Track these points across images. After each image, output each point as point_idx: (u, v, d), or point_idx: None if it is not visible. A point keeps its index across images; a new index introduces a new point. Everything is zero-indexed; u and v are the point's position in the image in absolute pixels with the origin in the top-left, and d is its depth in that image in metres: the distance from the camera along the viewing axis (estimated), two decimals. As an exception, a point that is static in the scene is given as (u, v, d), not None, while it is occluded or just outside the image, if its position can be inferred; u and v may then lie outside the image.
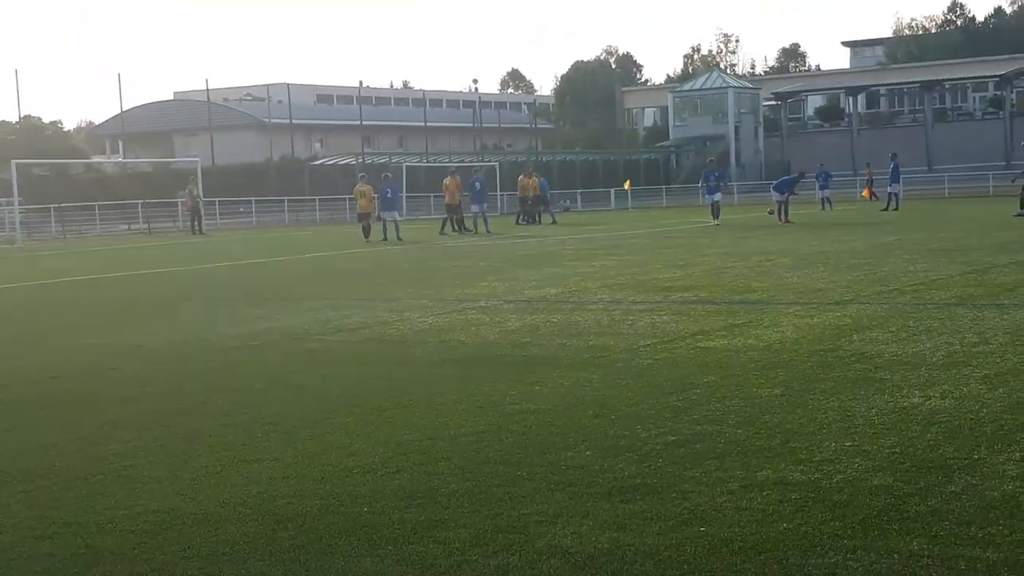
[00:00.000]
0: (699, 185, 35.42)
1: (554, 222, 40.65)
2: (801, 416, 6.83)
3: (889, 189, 41.35)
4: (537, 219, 40.82)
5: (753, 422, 6.72)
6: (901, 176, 41.80)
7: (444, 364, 9.44)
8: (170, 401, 8.34)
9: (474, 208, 35.29)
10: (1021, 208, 31.31)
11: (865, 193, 47.98)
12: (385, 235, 32.09)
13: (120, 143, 77.27)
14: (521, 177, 42.17)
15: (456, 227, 35.10)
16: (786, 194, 32.73)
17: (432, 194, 51.67)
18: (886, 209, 39.35)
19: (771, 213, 34.29)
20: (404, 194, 42.17)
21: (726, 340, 9.93)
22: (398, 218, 33.31)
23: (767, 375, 8.20)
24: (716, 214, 32.68)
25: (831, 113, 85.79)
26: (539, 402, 7.62)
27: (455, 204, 35.16)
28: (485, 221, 34.56)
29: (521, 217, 41.21)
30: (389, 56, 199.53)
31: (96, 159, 77.09)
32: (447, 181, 35.58)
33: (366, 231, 32.88)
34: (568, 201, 62.55)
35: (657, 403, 7.38)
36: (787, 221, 31.70)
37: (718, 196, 33.54)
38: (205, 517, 5.30)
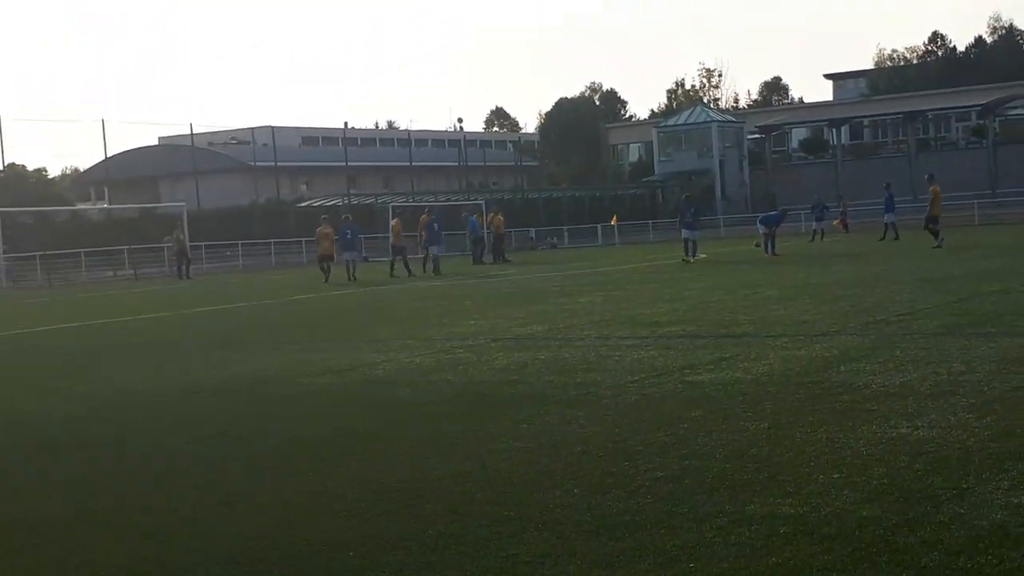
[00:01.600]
0: (677, 220, 35.08)
1: (494, 262, 40.78)
2: (789, 449, 6.81)
3: (885, 219, 39.90)
4: (482, 259, 40.93)
5: (741, 456, 6.69)
6: (896, 205, 40.88)
7: (431, 404, 9.41)
8: (146, 447, 8.28)
9: (433, 250, 35.05)
10: None
11: (836, 223, 48.03)
12: (350, 275, 32.75)
13: (105, 189, 77.30)
14: (491, 216, 42.80)
15: (407, 267, 34.91)
16: (773, 227, 32.84)
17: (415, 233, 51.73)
18: (883, 239, 38.77)
19: (757, 246, 34.38)
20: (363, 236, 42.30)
21: (713, 374, 9.91)
22: (357, 258, 34.19)
23: (755, 408, 8.18)
24: (692, 251, 31.81)
25: (815, 145, 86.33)
26: (526, 440, 7.59)
27: (400, 245, 35.13)
28: (435, 262, 34.40)
29: (501, 256, 41.37)
30: (374, 96, 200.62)
31: (81, 206, 77.03)
32: (394, 222, 35.86)
33: (326, 272, 33.48)
34: (555, 238, 62.72)
35: (645, 439, 7.36)
36: (774, 254, 31.79)
37: (696, 233, 32.70)
38: (183, 567, 5.24)
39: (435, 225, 35.40)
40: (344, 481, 6.76)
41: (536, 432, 7.86)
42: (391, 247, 35.88)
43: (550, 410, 8.68)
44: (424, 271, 34.52)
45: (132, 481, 7.18)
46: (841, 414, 7.76)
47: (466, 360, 12.09)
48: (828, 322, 13.43)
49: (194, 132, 68.50)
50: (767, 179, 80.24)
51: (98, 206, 76.07)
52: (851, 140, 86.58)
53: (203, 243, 51.84)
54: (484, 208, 53.74)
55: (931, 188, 32.39)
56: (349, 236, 34.24)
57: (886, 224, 39.91)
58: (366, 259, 44.63)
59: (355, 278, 32.49)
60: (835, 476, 6.09)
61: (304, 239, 57.49)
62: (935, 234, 31.17)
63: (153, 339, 17.72)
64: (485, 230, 43.88)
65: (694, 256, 31.42)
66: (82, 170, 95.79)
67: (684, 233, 32.61)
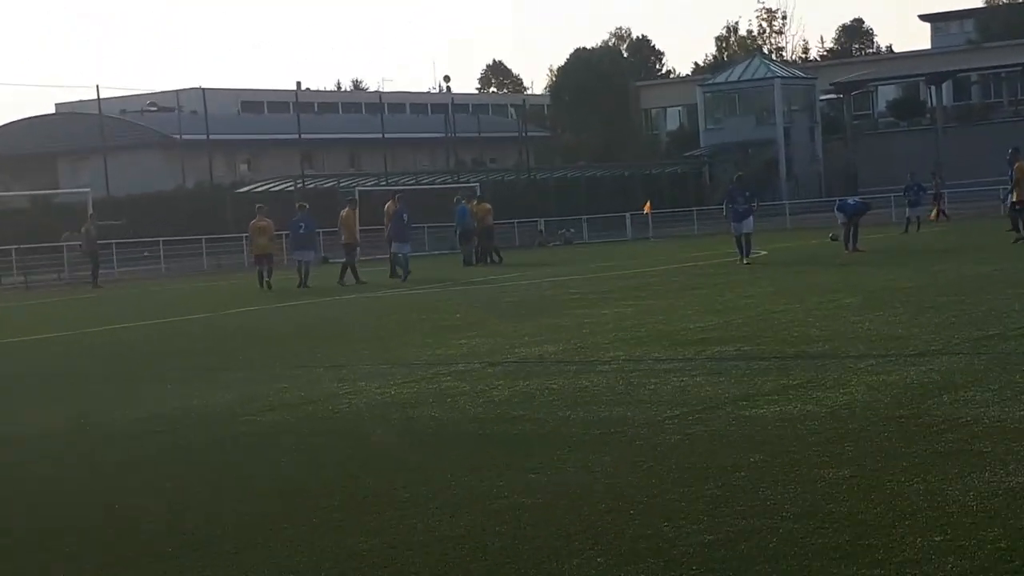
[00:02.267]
0: (724, 209, 33.42)
1: (478, 262, 40.79)
2: (877, 503, 6.81)
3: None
4: (472, 259, 40.85)
5: (815, 513, 6.70)
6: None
7: (411, 448, 9.42)
8: (51, 507, 8.30)
9: (395, 248, 34.39)
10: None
11: (933, 215, 47.75)
12: (302, 281, 32.69)
13: (-13, 171, 77.35)
14: (474, 203, 42.81)
15: (355, 273, 34.09)
16: (855, 216, 32.78)
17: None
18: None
19: (835, 239, 34.35)
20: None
21: (778, 406, 9.92)
22: (312, 260, 34.11)
23: (832, 451, 8.19)
24: (746, 250, 30.57)
25: (908, 108, 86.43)
26: (535, 494, 7.60)
27: (353, 244, 34.67)
28: (404, 264, 33.80)
29: (488, 256, 41.29)
30: (334, 49, 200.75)
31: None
32: (343, 213, 35.24)
33: (262, 277, 33.44)
34: (570, 230, 62.78)
35: (689, 492, 7.37)
36: (856, 249, 31.80)
37: (749, 225, 31.03)
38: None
39: (404, 216, 34.65)
40: (301, 549, 6.77)
41: (549, 484, 7.86)
42: (343, 246, 35.43)
43: (566, 455, 8.69)
44: (392, 276, 34.01)
45: None
46: (944, 458, 7.77)
47: (456, 390, 12.09)
48: (926, 338, 13.41)
49: (101, 97, 68.60)
50: (846, 152, 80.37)
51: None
52: (955, 101, 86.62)
53: (113, 241, 51.85)
54: (479, 192, 53.85)
55: (1016, 165, 32.28)
56: (303, 231, 33.93)
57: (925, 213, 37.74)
58: (325, 260, 44.64)
59: (308, 285, 32.44)
60: (937, 539, 6.09)
61: (245, 235, 57.59)
62: (1017, 225, 31.14)
63: (50, 369, 17.73)
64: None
65: (748, 255, 30.61)
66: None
67: (735, 226, 31.58)
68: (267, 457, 9.52)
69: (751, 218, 31.27)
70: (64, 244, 49.73)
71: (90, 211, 46.98)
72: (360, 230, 36.28)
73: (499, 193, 64.76)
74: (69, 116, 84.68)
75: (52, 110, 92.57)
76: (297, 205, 36.69)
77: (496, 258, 41.52)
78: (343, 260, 35.00)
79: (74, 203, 56.96)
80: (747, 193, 31.98)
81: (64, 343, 21.63)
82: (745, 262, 29.88)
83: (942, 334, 13.64)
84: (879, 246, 33.95)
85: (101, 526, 7.71)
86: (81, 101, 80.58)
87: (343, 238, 35.23)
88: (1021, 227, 30.86)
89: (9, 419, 12.38)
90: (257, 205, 37.72)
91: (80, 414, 12.30)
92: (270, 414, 11.53)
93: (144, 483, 8.91)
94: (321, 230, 39.03)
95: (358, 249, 35.69)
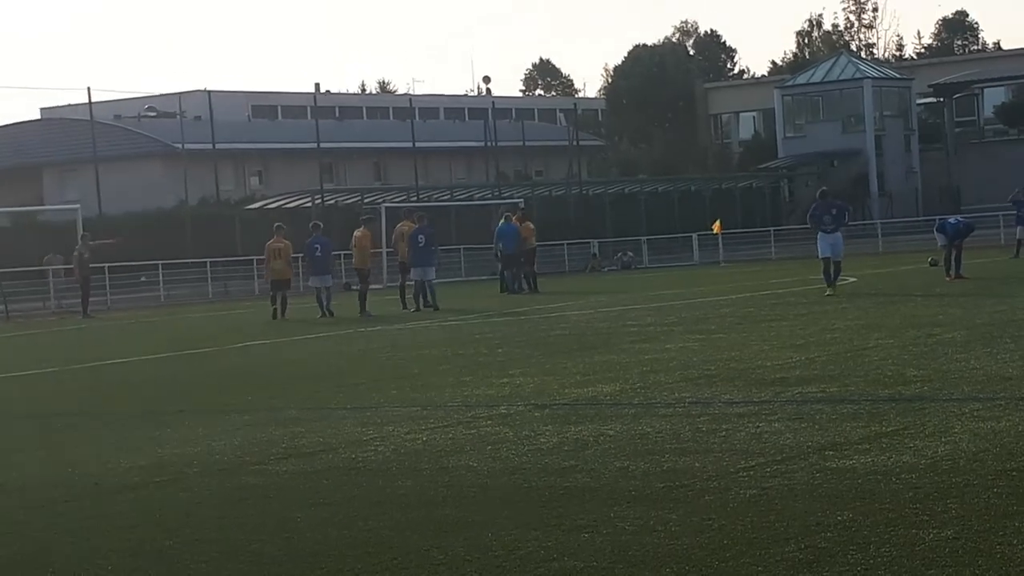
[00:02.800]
0: (811, 227, 32.59)
1: (520, 290, 40.88)
2: (985, 570, 6.78)
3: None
4: (520, 286, 40.69)
5: (913, 581, 6.67)
6: None
7: (446, 503, 9.43)
8: (34, 570, 8.34)
9: (415, 274, 34.44)
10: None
11: None
12: (324, 309, 33.23)
13: (-37, 185, 77.99)
14: (515, 219, 42.34)
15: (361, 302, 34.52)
16: (957, 239, 32.64)
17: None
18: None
19: (934, 263, 34.21)
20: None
21: (869, 457, 9.89)
22: (330, 283, 34.49)
23: (933, 509, 8.16)
24: (833, 275, 30.05)
25: (1019, 113, 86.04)
26: (589, 557, 7.59)
27: (365, 269, 34.83)
28: (430, 294, 33.98)
29: (518, 283, 41.01)
30: (358, 47, 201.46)
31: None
32: (358, 234, 35.31)
33: (279, 303, 33.95)
34: (629, 253, 62.81)
35: (767, 554, 7.35)
36: (958, 276, 31.68)
37: (839, 248, 30.41)
38: None
39: (420, 237, 34.54)
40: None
41: (604, 545, 7.86)
42: (355, 270, 35.74)
43: (624, 512, 8.68)
44: (406, 306, 34.10)
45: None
46: (1063, 517, 7.72)
47: (497, 437, 12.10)
48: (1042, 379, 13.37)
49: (93, 101, 69.07)
50: (948, 164, 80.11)
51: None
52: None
53: (106, 264, 52.13)
54: (521, 208, 53.92)
55: None
56: (319, 253, 34.16)
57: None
58: (348, 286, 44.77)
59: (332, 313, 32.67)
60: (1055, 611, 6.06)
61: (256, 257, 57.82)
62: None
63: (34, 410, 17.83)
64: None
65: (834, 282, 30.23)
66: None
67: (822, 247, 31.35)
68: (280, 514, 9.53)
69: (840, 239, 30.60)
70: (49, 268, 50.10)
71: (81, 231, 47.17)
72: (376, 252, 36.32)
73: (546, 210, 64.91)
74: (56, 123, 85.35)
75: (37, 116, 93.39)
76: (311, 225, 36.91)
77: (532, 287, 41.01)
78: (360, 287, 35.19)
79: (61, 221, 57.34)
80: (834, 211, 31.16)
81: (51, 380, 21.75)
82: (829, 292, 29.26)
83: (1060, 374, 13.59)
84: (986, 272, 33.77)
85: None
86: (70, 106, 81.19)
87: (355, 262, 35.47)
88: None
89: (5, 463, 12.46)
90: (276, 224, 37.88)
91: (68, 462, 12.37)
92: (283, 463, 11.55)
93: (139, 540, 8.93)
94: (339, 252, 39.22)
95: (370, 275, 35.67)
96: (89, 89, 63.79)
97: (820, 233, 30.43)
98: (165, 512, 9.88)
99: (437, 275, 36.21)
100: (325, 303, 33.47)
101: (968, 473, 9.12)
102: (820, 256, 30.55)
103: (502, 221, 42.83)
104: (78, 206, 54.42)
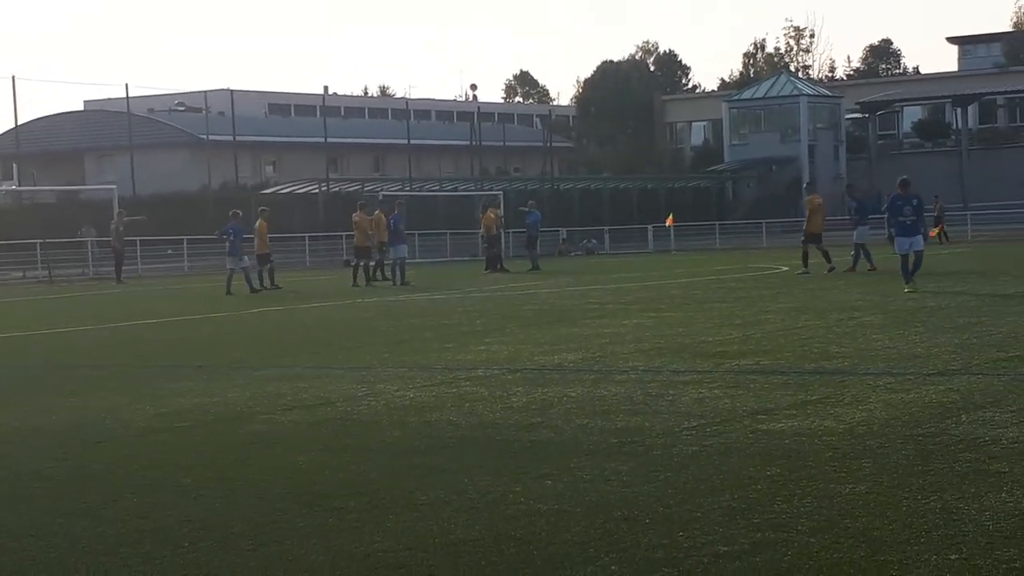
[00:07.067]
0: (885, 220, 26.15)
1: (535, 268, 41.37)
2: (893, 521, 6.80)
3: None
4: (499, 265, 41.12)
5: (830, 528, 6.70)
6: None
7: (428, 452, 9.43)
8: (70, 500, 8.33)
9: (393, 253, 35.60)
10: None
11: (933, 232, 47.91)
12: (395, 279, 34.49)
13: (15, 166, 77.72)
14: (490, 211, 42.80)
15: (373, 274, 35.95)
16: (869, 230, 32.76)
17: (416, 232, 51.81)
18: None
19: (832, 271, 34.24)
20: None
21: (796, 421, 9.92)
22: (246, 263, 35.28)
23: (848, 467, 8.18)
24: (913, 270, 24.47)
25: (934, 129, 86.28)
26: (551, 501, 7.60)
27: (366, 247, 35.64)
28: (401, 270, 34.92)
29: (491, 263, 41.51)
30: (362, 55, 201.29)
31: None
32: (356, 217, 36.25)
33: (361, 270, 35.39)
34: (593, 240, 62.80)
35: (704, 503, 7.36)
36: (871, 268, 31.74)
37: (919, 241, 24.83)
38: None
39: (395, 222, 35.96)
40: (317, 548, 6.78)
41: (564, 491, 7.87)
42: (354, 248, 36.71)
43: (583, 463, 8.69)
44: (380, 277, 35.85)
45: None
46: (961, 477, 7.76)
47: (474, 395, 12.11)
48: (946, 357, 13.39)
49: (130, 95, 68.80)
50: (871, 172, 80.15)
51: (3, 187, 76.55)
52: (980, 124, 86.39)
53: (137, 237, 51.94)
54: (503, 200, 53.88)
55: None
56: (232, 238, 35.32)
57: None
58: (348, 263, 44.87)
59: (406, 282, 34.23)
60: (952, 557, 6.08)
61: (270, 236, 57.64)
62: None
63: (74, 361, 17.79)
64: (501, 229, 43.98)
65: (912, 278, 24.20)
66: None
67: (900, 242, 24.59)
68: (284, 457, 9.53)
69: (921, 233, 25.03)
70: (87, 240, 49.92)
71: (117, 208, 47.09)
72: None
73: (522, 202, 64.82)
74: (97, 113, 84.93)
75: (81, 107, 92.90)
76: (231, 213, 37.44)
77: (500, 268, 41.34)
78: (355, 262, 35.96)
79: (99, 200, 57.16)
80: (915, 202, 25.45)
81: (87, 337, 21.70)
82: (908, 290, 23.63)
83: (962, 354, 13.61)
84: (897, 267, 33.76)
85: (115, 518, 7.72)
86: (109, 99, 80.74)
87: (356, 240, 36.32)
88: None
89: (39, 408, 12.42)
90: (360, 202, 39.03)
91: (100, 408, 12.36)
92: (288, 414, 11.55)
93: (161, 477, 8.94)
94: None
95: (372, 252, 36.20)
96: (127, 85, 63.86)
97: (900, 226, 24.73)
98: (184, 453, 9.88)
99: (428, 256, 36.77)
100: (399, 274, 34.60)
101: (880, 437, 9.15)
102: (898, 252, 24.73)
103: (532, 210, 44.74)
104: (115, 187, 54.29)
